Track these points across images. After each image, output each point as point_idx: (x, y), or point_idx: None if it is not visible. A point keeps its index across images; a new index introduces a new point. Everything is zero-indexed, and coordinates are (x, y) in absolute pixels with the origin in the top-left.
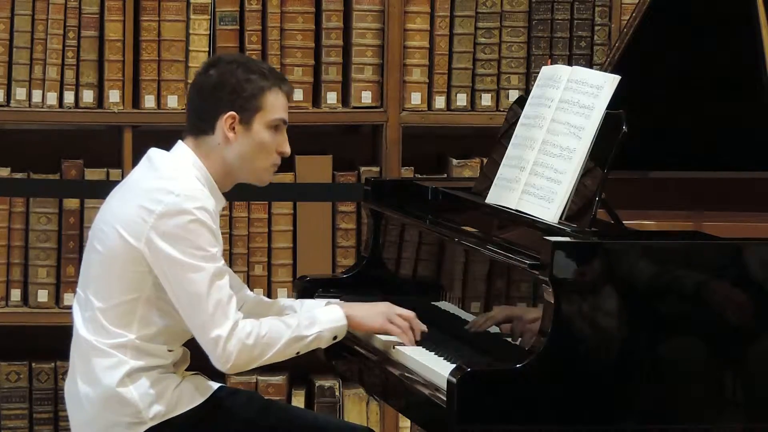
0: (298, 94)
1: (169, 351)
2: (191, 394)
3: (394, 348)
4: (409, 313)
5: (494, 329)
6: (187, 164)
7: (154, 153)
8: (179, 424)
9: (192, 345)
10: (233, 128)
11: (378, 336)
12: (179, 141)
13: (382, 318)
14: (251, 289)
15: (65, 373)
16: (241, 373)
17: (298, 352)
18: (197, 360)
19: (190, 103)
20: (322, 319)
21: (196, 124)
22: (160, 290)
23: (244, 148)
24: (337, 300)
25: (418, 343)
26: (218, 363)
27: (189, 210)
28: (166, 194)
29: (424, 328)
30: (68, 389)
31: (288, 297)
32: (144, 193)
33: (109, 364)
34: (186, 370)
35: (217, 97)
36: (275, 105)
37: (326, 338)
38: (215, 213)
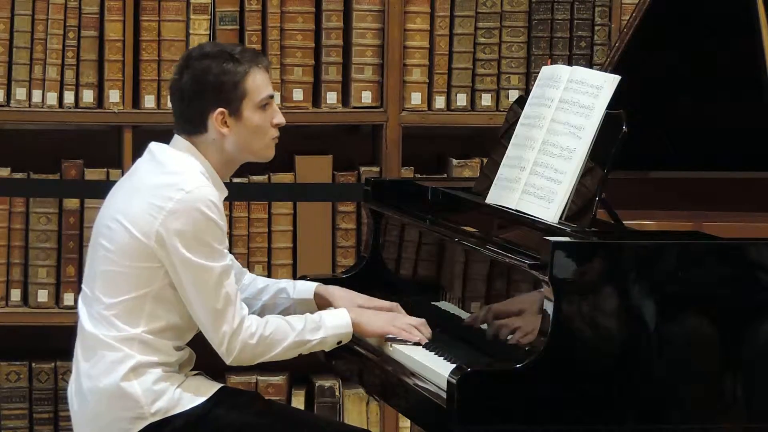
0: (298, 94)
1: (176, 349)
2: (193, 393)
3: (393, 348)
4: (418, 321)
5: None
6: (189, 158)
7: (156, 147)
8: (180, 423)
9: (195, 345)
10: (225, 123)
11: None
12: (175, 135)
13: (385, 322)
14: None
15: (65, 373)
16: (241, 374)
17: (301, 354)
18: (199, 360)
19: (175, 108)
20: (328, 324)
21: (187, 126)
22: (170, 284)
23: (240, 137)
24: (334, 286)
25: (417, 343)
26: (222, 356)
27: (198, 207)
28: (176, 191)
29: (429, 335)
30: (72, 386)
31: None
32: (151, 189)
33: (115, 358)
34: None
35: (201, 98)
36: (258, 86)
37: (330, 343)
38: (221, 205)
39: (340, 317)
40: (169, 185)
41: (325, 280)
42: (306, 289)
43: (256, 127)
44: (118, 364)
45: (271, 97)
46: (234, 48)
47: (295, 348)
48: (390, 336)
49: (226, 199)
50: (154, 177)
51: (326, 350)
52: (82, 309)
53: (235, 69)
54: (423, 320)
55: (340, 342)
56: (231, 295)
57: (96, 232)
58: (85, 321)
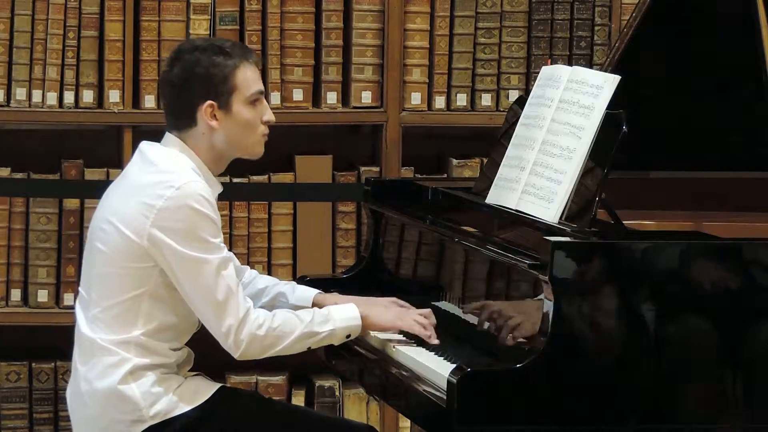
0: (298, 94)
1: (173, 350)
2: (192, 394)
3: (394, 348)
4: (424, 312)
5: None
6: (181, 156)
7: (146, 147)
8: (180, 424)
9: (195, 345)
10: (214, 116)
11: (375, 333)
12: (167, 133)
13: (395, 317)
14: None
15: (65, 373)
16: (240, 373)
17: (309, 347)
18: (198, 360)
19: (165, 101)
20: (336, 317)
21: (177, 120)
22: (164, 284)
23: (230, 132)
24: (333, 294)
25: (418, 343)
26: (230, 351)
27: (190, 203)
28: (167, 188)
29: (436, 341)
30: (71, 389)
31: None
32: (143, 188)
33: (112, 362)
34: (188, 370)
35: (190, 90)
36: (248, 80)
37: (339, 336)
38: (214, 200)
39: (348, 310)
40: (159, 183)
41: (325, 281)
42: (305, 296)
43: (246, 122)
44: (115, 367)
45: (261, 93)
46: (224, 42)
47: (304, 339)
48: (397, 336)
49: (226, 198)
50: (145, 176)
51: (336, 344)
52: (79, 312)
53: (224, 62)
54: (429, 310)
55: (349, 336)
56: (232, 287)
57: (91, 235)
58: (82, 324)
